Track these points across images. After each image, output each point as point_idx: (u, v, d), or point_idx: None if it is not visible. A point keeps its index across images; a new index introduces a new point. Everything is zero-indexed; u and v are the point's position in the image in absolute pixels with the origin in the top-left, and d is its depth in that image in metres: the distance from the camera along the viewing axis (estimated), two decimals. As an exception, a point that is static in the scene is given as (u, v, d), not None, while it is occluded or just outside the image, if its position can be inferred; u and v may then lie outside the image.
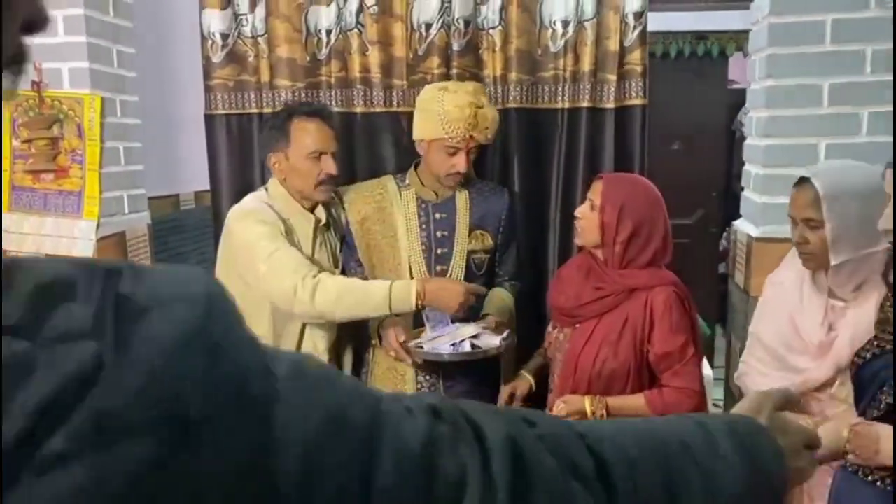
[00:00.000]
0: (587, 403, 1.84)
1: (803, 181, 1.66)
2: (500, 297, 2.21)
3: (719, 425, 0.68)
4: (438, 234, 2.16)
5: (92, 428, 0.36)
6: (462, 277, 2.13)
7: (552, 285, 2.10)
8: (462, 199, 2.18)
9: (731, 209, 4.86)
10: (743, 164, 2.36)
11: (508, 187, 2.45)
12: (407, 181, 2.19)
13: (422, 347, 2.01)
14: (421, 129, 2.10)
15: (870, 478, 1.33)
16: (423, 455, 0.50)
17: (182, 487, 0.39)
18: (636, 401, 1.84)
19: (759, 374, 1.81)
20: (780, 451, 0.70)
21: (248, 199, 2.11)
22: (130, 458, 0.37)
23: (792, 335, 1.73)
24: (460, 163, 2.06)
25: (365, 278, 2.11)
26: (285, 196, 2.09)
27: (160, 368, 0.39)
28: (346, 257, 2.19)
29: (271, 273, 1.93)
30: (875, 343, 1.40)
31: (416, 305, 1.93)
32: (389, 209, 2.17)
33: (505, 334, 2.04)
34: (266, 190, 2.13)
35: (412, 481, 0.49)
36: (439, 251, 2.16)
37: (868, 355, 1.38)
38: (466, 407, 0.57)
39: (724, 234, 5.57)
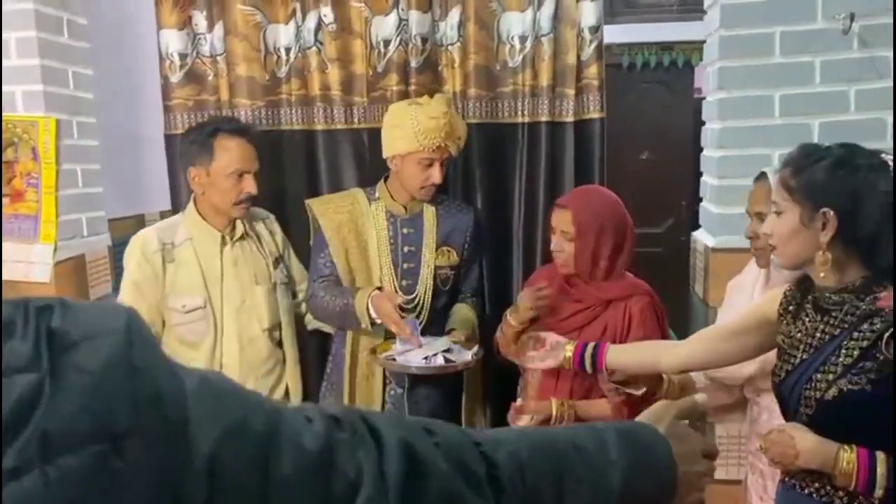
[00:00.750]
0: (554, 407, 1.86)
1: (761, 177, 1.70)
2: (464, 313, 2.21)
3: (612, 432, 0.75)
4: (405, 248, 2.17)
5: (38, 445, 0.44)
6: (429, 292, 2.15)
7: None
8: (430, 214, 2.19)
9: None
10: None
11: (471, 202, 2.47)
12: (377, 195, 2.20)
13: (393, 360, 2.01)
14: (393, 146, 2.10)
15: (806, 490, 1.34)
16: (321, 457, 0.57)
17: (115, 494, 0.46)
18: (601, 405, 1.85)
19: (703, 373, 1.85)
20: (671, 457, 0.77)
21: (156, 226, 2.16)
22: (72, 468, 0.44)
23: None
24: (435, 174, 2.07)
25: (336, 277, 2.14)
26: (192, 213, 2.11)
27: (91, 392, 0.46)
28: (315, 257, 2.18)
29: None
30: (785, 359, 1.40)
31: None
32: (362, 220, 2.17)
33: (475, 349, 2.05)
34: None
35: (309, 481, 0.56)
36: (405, 266, 2.16)
37: (783, 373, 1.39)
38: (368, 415, 0.64)
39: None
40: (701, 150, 2.38)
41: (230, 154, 2.04)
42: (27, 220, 2.21)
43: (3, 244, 2.20)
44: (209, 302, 2.07)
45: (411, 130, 2.03)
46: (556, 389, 1.91)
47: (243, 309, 2.12)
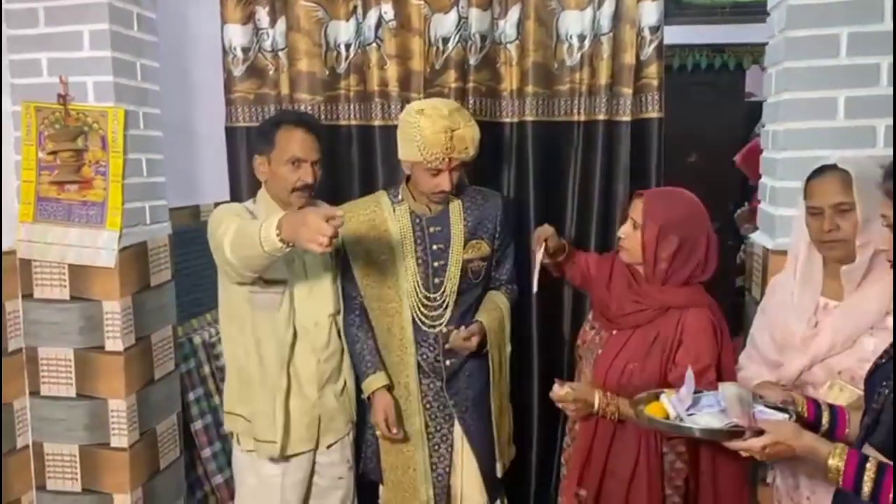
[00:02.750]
0: (596, 397, 1.87)
1: (825, 169, 1.70)
2: (495, 303, 2.24)
3: None
4: (434, 247, 2.18)
5: None
6: (457, 286, 2.17)
7: (600, 284, 2.08)
8: (455, 210, 2.20)
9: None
10: (760, 176, 2.36)
11: (524, 200, 2.47)
12: (400, 196, 2.22)
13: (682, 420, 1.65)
14: (402, 151, 2.13)
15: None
16: None
17: None
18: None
19: (743, 369, 1.89)
20: None
21: (239, 205, 2.22)
22: None
23: (780, 331, 1.78)
24: (444, 182, 2.08)
25: (355, 292, 2.22)
26: (265, 198, 2.18)
27: None
28: (343, 270, 2.24)
29: (221, 239, 1.95)
30: (883, 352, 1.41)
31: (282, 243, 1.77)
32: (384, 225, 2.18)
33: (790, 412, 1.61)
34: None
35: None
36: (436, 264, 2.18)
37: (874, 366, 1.40)
38: None
39: (742, 247, 5.55)
40: None
41: (290, 142, 2.11)
42: (95, 206, 2.27)
43: (73, 229, 2.27)
44: (289, 282, 2.14)
45: (414, 143, 2.04)
46: (605, 387, 1.91)
47: (312, 293, 2.19)
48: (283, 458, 2.19)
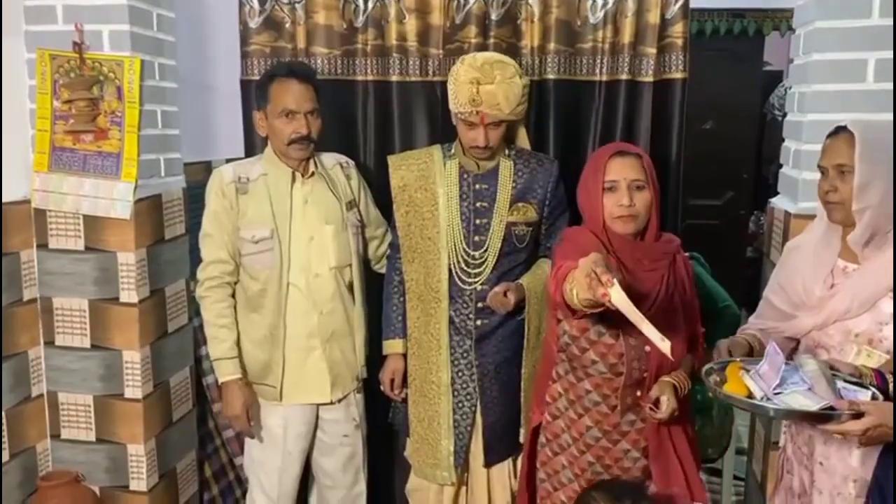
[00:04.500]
0: (675, 387, 1.81)
1: (839, 130, 1.67)
2: (543, 269, 2.21)
3: None
4: (478, 204, 2.17)
5: None
6: (499, 249, 2.15)
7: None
8: (506, 170, 2.17)
9: (761, 193, 4.82)
10: (774, 145, 2.33)
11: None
12: (452, 151, 2.21)
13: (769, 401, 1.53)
14: (449, 101, 2.13)
15: None
16: None
17: None
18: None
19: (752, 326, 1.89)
20: None
21: (235, 163, 2.31)
22: None
23: (797, 291, 1.77)
24: (478, 137, 2.06)
25: (398, 242, 2.26)
26: (269, 153, 2.25)
27: None
28: (393, 221, 2.31)
29: (201, 248, 2.24)
30: None
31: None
32: (432, 178, 2.18)
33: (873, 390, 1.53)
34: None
35: None
36: (478, 221, 2.16)
37: None
38: None
39: (752, 218, 5.52)
40: (764, 123, 2.32)
41: (281, 95, 2.14)
42: (110, 157, 2.25)
43: (88, 180, 2.26)
44: (276, 234, 2.17)
45: (450, 90, 2.07)
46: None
47: (311, 246, 2.21)
48: (284, 407, 2.26)
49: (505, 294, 2.08)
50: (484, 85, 1.99)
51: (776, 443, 2.04)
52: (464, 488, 2.32)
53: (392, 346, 2.31)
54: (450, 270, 2.17)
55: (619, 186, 1.80)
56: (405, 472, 2.44)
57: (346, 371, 2.30)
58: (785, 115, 2.32)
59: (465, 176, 2.18)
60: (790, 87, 2.29)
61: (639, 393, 1.84)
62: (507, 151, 2.19)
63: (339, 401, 2.30)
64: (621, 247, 1.82)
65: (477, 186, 2.17)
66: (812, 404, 1.45)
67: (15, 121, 2.25)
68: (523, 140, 2.31)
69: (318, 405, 2.30)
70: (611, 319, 1.73)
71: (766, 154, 5.17)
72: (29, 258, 2.28)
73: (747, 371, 1.59)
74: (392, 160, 2.28)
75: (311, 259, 2.21)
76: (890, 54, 2.00)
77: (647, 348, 1.78)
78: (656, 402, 1.78)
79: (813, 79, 2.07)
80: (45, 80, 2.25)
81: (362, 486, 2.42)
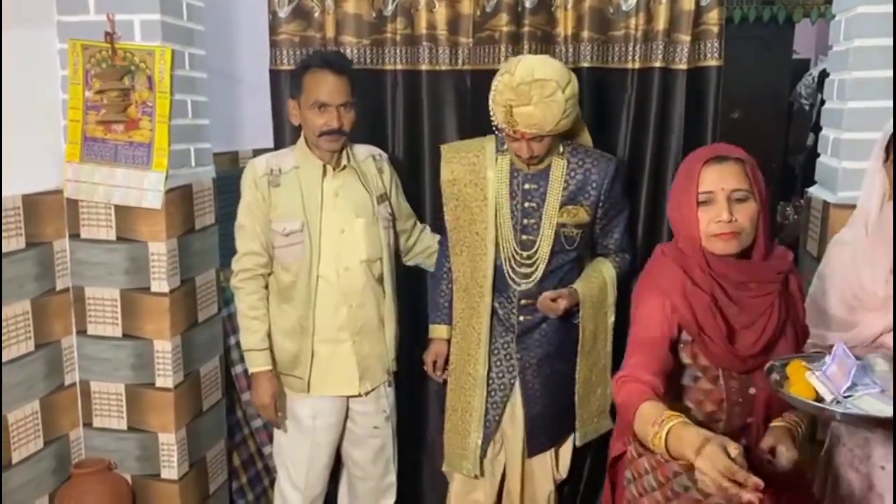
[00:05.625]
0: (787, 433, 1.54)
1: None
2: (599, 271, 2.18)
3: None
4: (526, 204, 2.14)
5: None
6: (549, 251, 2.12)
7: (705, 314, 1.54)
8: (558, 169, 2.11)
9: (788, 183, 4.75)
10: (800, 135, 2.29)
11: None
12: (505, 146, 2.15)
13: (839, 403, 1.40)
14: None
15: None
16: None
17: None
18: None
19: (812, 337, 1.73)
20: None
21: (269, 154, 2.30)
22: None
23: (855, 290, 1.67)
24: (522, 149, 2.03)
25: (444, 231, 2.29)
26: (301, 143, 2.24)
27: None
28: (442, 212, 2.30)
29: (236, 239, 2.25)
30: None
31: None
32: (483, 172, 2.15)
33: None
34: None
35: None
36: (525, 222, 2.14)
37: None
38: None
39: (779, 209, 5.44)
40: (791, 113, 2.27)
41: (314, 87, 2.12)
42: (141, 147, 2.26)
43: (119, 170, 2.26)
44: (307, 227, 2.16)
45: (490, 103, 2.02)
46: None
47: (342, 239, 2.20)
48: (314, 398, 2.26)
49: (555, 300, 2.06)
50: (519, 107, 1.92)
51: (815, 437, 2.00)
52: (494, 479, 2.31)
53: (437, 331, 2.34)
54: (498, 267, 2.15)
55: (717, 198, 1.50)
56: (433, 463, 2.44)
57: (377, 364, 2.29)
58: (812, 104, 2.28)
59: (516, 174, 2.14)
60: (828, 75, 2.24)
61: (744, 441, 1.54)
62: (561, 149, 2.12)
63: (369, 393, 2.30)
64: (722, 269, 1.52)
65: (526, 186, 2.13)
66: (889, 409, 1.32)
67: (47, 111, 2.26)
68: (586, 138, 2.24)
69: (348, 397, 2.29)
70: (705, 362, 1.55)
71: (791, 144, 5.10)
72: (62, 248, 2.29)
73: (811, 370, 1.44)
74: (445, 151, 2.25)
75: (342, 252, 2.20)
76: (935, 40, 1.95)
77: (752, 390, 1.55)
78: (771, 452, 1.49)
79: (854, 65, 2.02)
80: (76, 71, 2.25)
81: (392, 478, 2.42)
